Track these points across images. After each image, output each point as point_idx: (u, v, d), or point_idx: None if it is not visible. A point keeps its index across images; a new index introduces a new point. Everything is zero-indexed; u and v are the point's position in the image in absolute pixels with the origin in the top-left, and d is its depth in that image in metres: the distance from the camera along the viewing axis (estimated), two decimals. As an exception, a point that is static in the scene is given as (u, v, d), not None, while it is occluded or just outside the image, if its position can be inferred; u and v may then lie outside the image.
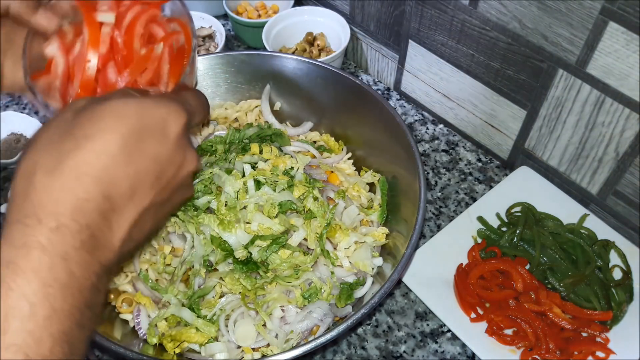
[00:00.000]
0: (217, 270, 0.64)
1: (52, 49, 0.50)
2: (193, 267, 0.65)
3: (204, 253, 0.64)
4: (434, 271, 0.73)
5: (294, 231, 0.66)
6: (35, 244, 0.35)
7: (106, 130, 0.39)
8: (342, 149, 0.82)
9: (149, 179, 0.42)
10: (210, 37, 1.00)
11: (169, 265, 0.67)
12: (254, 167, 0.70)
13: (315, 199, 0.68)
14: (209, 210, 0.66)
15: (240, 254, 0.63)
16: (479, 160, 0.88)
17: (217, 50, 0.98)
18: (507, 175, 0.84)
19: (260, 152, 0.72)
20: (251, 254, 0.64)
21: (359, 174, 0.80)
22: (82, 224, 0.37)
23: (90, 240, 0.38)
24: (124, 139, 0.40)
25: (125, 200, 0.41)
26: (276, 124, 0.82)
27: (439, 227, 0.80)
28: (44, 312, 0.34)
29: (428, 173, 0.87)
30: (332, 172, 0.76)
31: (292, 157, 0.73)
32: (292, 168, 0.71)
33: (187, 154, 0.46)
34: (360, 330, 0.71)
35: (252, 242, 0.64)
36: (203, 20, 1.02)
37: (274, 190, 0.67)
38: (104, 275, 0.39)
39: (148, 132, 0.42)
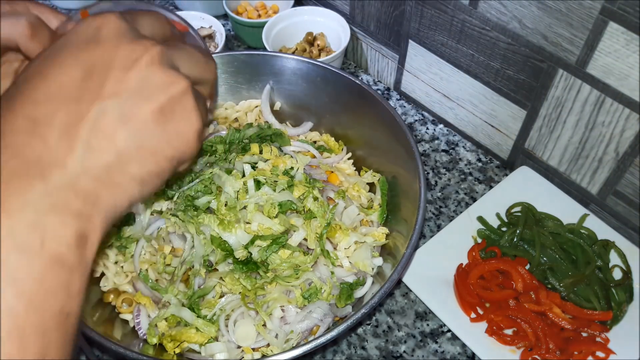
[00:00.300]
0: (217, 270, 0.64)
1: None
2: (193, 267, 0.65)
3: (204, 253, 0.64)
4: (434, 271, 0.73)
5: (294, 231, 0.66)
6: None
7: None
8: (342, 149, 0.82)
9: (66, 78, 0.36)
10: (210, 37, 1.00)
11: (169, 265, 0.67)
12: (254, 167, 0.70)
13: (315, 199, 0.68)
14: (209, 210, 0.66)
15: (240, 254, 0.63)
16: (479, 160, 0.88)
17: (217, 50, 0.98)
18: (507, 175, 0.84)
19: (260, 152, 0.73)
20: (251, 254, 0.64)
21: (359, 174, 0.80)
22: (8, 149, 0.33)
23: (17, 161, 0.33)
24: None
25: (49, 107, 0.35)
26: (276, 124, 0.82)
27: (439, 227, 0.80)
28: None
29: (428, 173, 0.87)
30: (332, 172, 0.76)
31: (292, 157, 0.73)
32: (292, 168, 0.71)
33: (137, 47, 0.37)
34: (360, 330, 0.71)
35: (252, 242, 0.64)
36: (203, 20, 1.02)
37: (274, 190, 0.67)
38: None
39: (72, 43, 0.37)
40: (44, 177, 0.33)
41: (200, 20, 1.02)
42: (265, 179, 0.67)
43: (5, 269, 0.30)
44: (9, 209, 0.31)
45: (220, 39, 0.99)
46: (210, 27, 1.01)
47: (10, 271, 0.30)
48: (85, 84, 0.35)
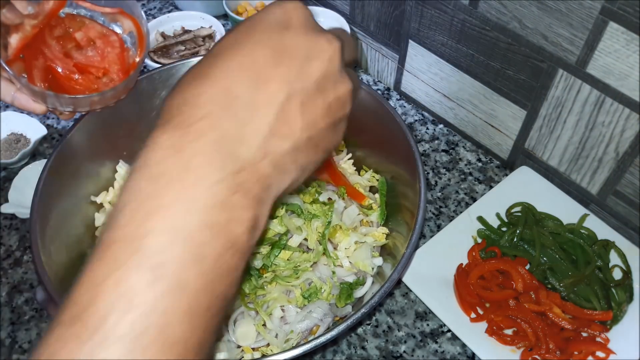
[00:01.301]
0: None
1: (15, 39, 0.55)
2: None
3: None
4: (434, 271, 0.73)
5: (295, 233, 0.66)
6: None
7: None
8: (343, 149, 0.82)
9: (264, 57, 0.36)
10: (210, 37, 1.00)
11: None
12: None
13: (317, 200, 0.68)
14: None
15: None
16: (479, 160, 0.88)
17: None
18: (507, 175, 0.84)
19: None
20: None
21: (359, 174, 0.80)
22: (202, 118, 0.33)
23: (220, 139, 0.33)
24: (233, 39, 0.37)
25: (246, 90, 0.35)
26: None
27: (439, 227, 0.80)
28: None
29: (428, 173, 0.87)
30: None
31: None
32: None
33: (322, 40, 0.37)
34: (360, 330, 0.71)
35: None
36: (203, 20, 1.02)
37: None
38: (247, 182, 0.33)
39: (263, 24, 0.37)
40: (235, 155, 0.33)
41: (200, 20, 1.02)
42: None
43: (195, 245, 0.30)
44: (209, 180, 0.31)
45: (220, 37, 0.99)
46: (210, 27, 1.01)
47: (198, 249, 0.30)
48: (276, 64, 0.35)
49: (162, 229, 0.30)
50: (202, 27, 1.02)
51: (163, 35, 1.02)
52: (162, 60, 0.97)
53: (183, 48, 0.99)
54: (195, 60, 0.80)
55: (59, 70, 0.56)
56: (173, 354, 0.29)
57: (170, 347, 0.29)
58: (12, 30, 0.55)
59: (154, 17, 1.06)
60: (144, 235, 0.30)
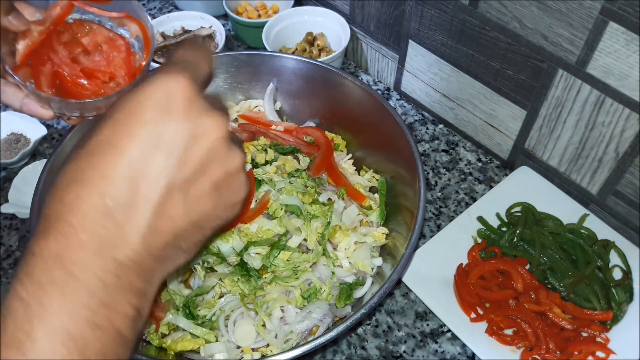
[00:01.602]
0: (216, 271, 0.65)
1: (22, 45, 0.56)
2: (195, 268, 0.65)
3: (198, 257, 0.64)
4: (434, 271, 0.73)
5: (294, 233, 0.66)
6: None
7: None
8: (343, 150, 0.82)
9: (155, 157, 0.35)
10: (210, 37, 1.00)
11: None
12: (255, 166, 0.70)
13: (316, 200, 0.68)
14: None
15: (232, 260, 0.64)
16: (479, 160, 0.88)
17: (217, 50, 0.98)
18: (507, 175, 0.84)
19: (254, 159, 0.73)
20: (242, 259, 0.64)
21: (359, 174, 0.80)
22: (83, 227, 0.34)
23: (98, 240, 0.34)
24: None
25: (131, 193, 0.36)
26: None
27: (439, 227, 0.80)
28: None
29: (428, 173, 0.87)
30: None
31: (295, 157, 0.74)
32: (297, 170, 0.71)
33: (206, 120, 0.36)
34: (360, 330, 0.71)
35: (245, 248, 0.64)
36: (203, 20, 1.02)
37: (274, 188, 0.67)
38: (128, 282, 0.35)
39: (146, 111, 0.36)
40: (115, 258, 0.34)
41: (200, 20, 1.02)
42: (270, 179, 0.68)
43: (80, 343, 0.32)
44: (88, 285, 0.33)
45: (221, 39, 0.99)
46: (210, 27, 1.01)
47: (84, 346, 0.32)
48: (153, 158, 0.35)
49: (47, 332, 0.32)
50: (202, 27, 1.02)
51: (163, 35, 1.02)
52: (162, 61, 0.97)
53: None
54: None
55: (66, 75, 0.57)
56: None
57: None
58: (19, 36, 0.56)
59: (154, 17, 1.06)
60: (30, 340, 0.31)
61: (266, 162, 0.72)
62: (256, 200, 0.67)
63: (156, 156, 0.35)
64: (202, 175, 0.37)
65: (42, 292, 0.32)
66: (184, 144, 0.35)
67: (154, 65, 0.92)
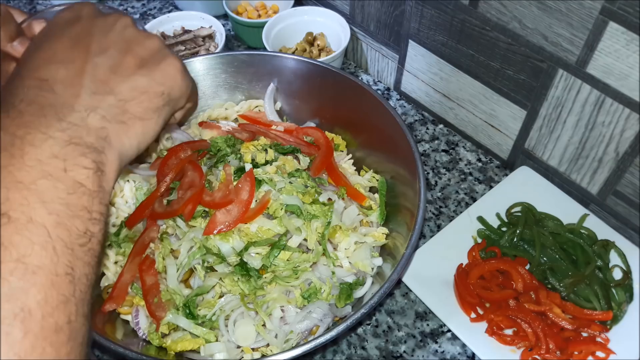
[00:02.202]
0: (217, 270, 0.65)
1: None
2: (195, 268, 0.65)
3: (199, 257, 0.64)
4: (434, 271, 0.73)
5: (294, 233, 0.66)
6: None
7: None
8: (343, 150, 0.82)
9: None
10: (210, 37, 1.00)
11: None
12: (256, 166, 0.70)
13: (316, 200, 0.68)
14: (205, 214, 0.67)
15: (232, 260, 0.64)
16: (479, 160, 0.88)
17: (217, 50, 0.98)
18: (507, 175, 0.84)
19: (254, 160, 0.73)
20: (242, 259, 0.64)
21: (359, 174, 0.80)
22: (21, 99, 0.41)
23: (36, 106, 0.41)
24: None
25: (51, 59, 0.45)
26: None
27: (439, 227, 0.80)
28: None
29: (428, 173, 0.87)
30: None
31: (295, 157, 0.74)
32: (297, 170, 0.71)
33: (110, 17, 0.49)
34: (360, 330, 0.71)
35: (245, 248, 0.64)
36: (203, 20, 1.02)
37: (274, 188, 0.67)
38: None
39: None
40: (59, 117, 0.40)
41: (200, 20, 1.02)
42: (269, 178, 0.68)
43: (35, 192, 0.35)
44: (33, 141, 0.37)
45: (220, 39, 0.99)
46: (210, 27, 1.01)
47: (39, 194, 0.36)
48: (75, 49, 0.45)
49: (7, 188, 0.35)
50: (202, 27, 1.02)
51: (163, 35, 1.02)
52: None
53: (183, 48, 0.99)
54: (194, 59, 0.80)
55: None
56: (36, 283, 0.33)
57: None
58: None
59: (154, 17, 1.06)
60: None
61: (266, 162, 0.72)
62: (256, 200, 0.67)
63: (77, 45, 0.45)
64: (124, 53, 0.47)
65: None
66: (98, 35, 0.46)
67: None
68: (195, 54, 0.98)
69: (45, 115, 0.39)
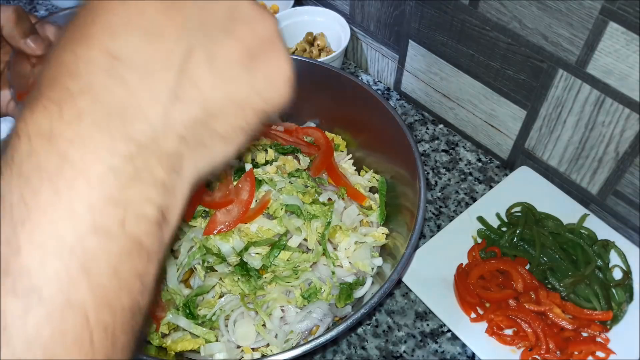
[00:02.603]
0: (217, 270, 0.65)
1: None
2: (195, 269, 0.65)
3: (199, 257, 0.64)
4: (434, 271, 0.73)
5: (295, 234, 0.66)
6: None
7: None
8: (344, 150, 0.82)
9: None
10: None
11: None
12: (256, 166, 0.70)
13: (316, 200, 0.68)
14: (205, 214, 0.67)
15: (232, 260, 0.64)
16: (479, 160, 0.88)
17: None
18: (507, 175, 0.84)
19: (254, 159, 0.73)
20: (242, 259, 0.64)
21: (359, 174, 0.80)
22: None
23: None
24: None
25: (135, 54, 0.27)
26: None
27: (439, 227, 0.80)
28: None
29: (428, 173, 0.87)
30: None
31: (295, 157, 0.74)
32: (297, 170, 0.71)
33: None
34: (360, 330, 0.71)
35: (245, 248, 0.64)
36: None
37: (274, 188, 0.67)
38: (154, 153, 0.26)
39: None
40: (128, 135, 0.25)
41: None
42: (269, 178, 0.68)
43: (82, 254, 0.24)
44: (91, 174, 0.24)
45: None
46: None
47: (86, 258, 0.24)
48: (168, 13, 0.27)
49: (34, 243, 0.23)
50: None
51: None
52: None
53: None
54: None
55: None
56: None
57: None
58: (37, 61, 0.57)
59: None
60: (13, 254, 0.23)
61: (266, 162, 0.72)
62: (256, 200, 0.67)
63: (171, 10, 0.27)
64: (227, 36, 0.29)
65: (26, 186, 0.24)
66: (200, 1, 0.28)
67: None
68: None
69: (111, 130, 0.25)
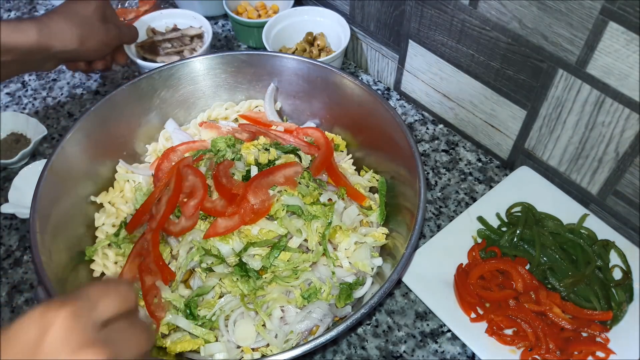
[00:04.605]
0: (216, 271, 0.65)
1: None
2: (194, 269, 0.65)
3: (197, 258, 0.64)
4: (434, 271, 0.73)
5: (295, 235, 0.66)
6: None
7: None
8: (344, 150, 0.82)
9: None
10: (199, 37, 1.01)
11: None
12: (258, 167, 0.70)
13: (317, 201, 0.68)
14: (205, 217, 0.67)
15: (230, 260, 0.64)
16: (479, 160, 0.88)
17: (201, 50, 0.97)
18: (507, 175, 0.84)
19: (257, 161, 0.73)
20: (241, 259, 0.64)
21: (359, 174, 0.80)
22: None
23: None
24: None
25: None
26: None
27: (439, 227, 0.80)
28: None
29: (428, 173, 0.87)
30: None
31: (297, 157, 0.73)
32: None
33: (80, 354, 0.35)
34: (360, 330, 0.71)
35: (245, 249, 0.64)
36: (194, 20, 1.02)
37: (279, 192, 0.67)
38: None
39: None
40: None
41: (191, 19, 1.02)
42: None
43: None
44: None
45: (207, 37, 0.98)
46: (200, 27, 1.01)
47: None
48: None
49: None
50: (191, 26, 1.02)
51: (153, 30, 1.02)
52: (148, 56, 0.97)
53: (170, 45, 0.99)
54: (194, 59, 0.81)
55: None
56: None
57: None
58: None
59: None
60: None
61: (269, 162, 0.72)
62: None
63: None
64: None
65: None
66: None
67: (147, 64, 0.91)
68: (179, 53, 0.98)
69: None
